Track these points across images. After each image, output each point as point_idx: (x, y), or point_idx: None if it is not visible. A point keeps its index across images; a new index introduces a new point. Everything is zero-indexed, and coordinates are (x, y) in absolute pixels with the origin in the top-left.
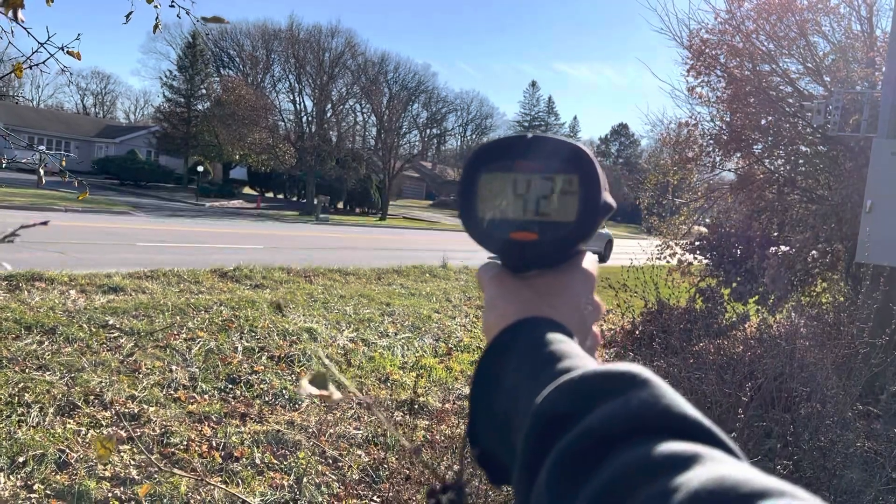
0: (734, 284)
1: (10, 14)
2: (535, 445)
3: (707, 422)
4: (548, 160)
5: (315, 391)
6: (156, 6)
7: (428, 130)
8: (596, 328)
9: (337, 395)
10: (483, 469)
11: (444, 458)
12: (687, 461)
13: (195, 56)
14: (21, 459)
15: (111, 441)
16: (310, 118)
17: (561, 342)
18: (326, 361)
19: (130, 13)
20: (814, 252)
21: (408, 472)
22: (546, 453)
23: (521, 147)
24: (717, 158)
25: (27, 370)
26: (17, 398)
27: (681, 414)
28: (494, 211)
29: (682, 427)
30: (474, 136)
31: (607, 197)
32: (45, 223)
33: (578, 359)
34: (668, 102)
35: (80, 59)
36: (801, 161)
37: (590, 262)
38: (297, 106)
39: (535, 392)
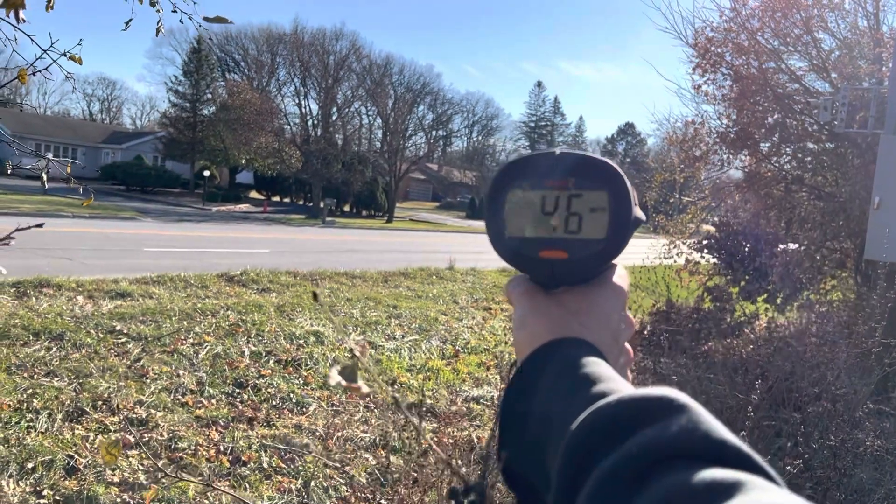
0: (743, 283)
1: (12, 15)
2: (571, 471)
3: (746, 448)
4: (576, 176)
5: (344, 382)
6: (158, 10)
7: (434, 132)
8: (628, 344)
9: (366, 388)
10: (512, 491)
11: (452, 460)
12: (729, 489)
13: (200, 61)
14: (30, 465)
15: (117, 447)
16: (315, 121)
17: (594, 364)
18: (357, 353)
19: (130, 20)
20: (823, 250)
21: (415, 475)
22: (583, 479)
23: (548, 163)
24: (724, 157)
25: (35, 376)
26: (25, 404)
27: (720, 440)
28: (522, 229)
29: (722, 453)
30: (480, 138)
31: (637, 212)
32: (39, 226)
33: (613, 382)
34: (673, 101)
35: (81, 64)
36: (808, 158)
37: (620, 276)
38: (303, 109)
39: (569, 416)
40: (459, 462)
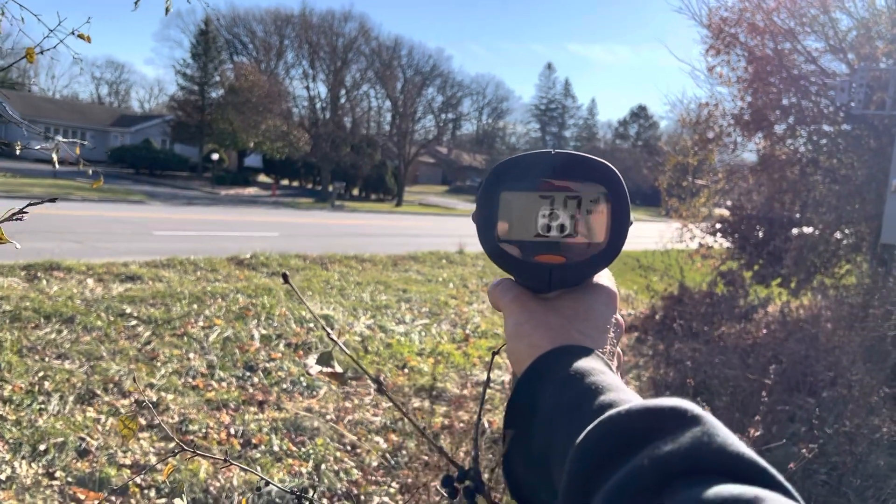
0: (756, 267)
1: None
2: (580, 485)
3: (763, 462)
4: (574, 178)
5: (323, 369)
6: None
7: (443, 115)
8: (619, 347)
9: (339, 368)
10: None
11: (463, 443)
12: None
13: (208, 43)
14: (42, 447)
15: (133, 421)
16: (324, 104)
17: (600, 373)
18: (333, 337)
19: (138, 0)
20: (837, 233)
21: (426, 457)
22: (592, 493)
23: (544, 164)
24: (738, 139)
25: (47, 359)
26: (37, 387)
27: (736, 454)
28: (517, 232)
29: (737, 468)
30: (490, 121)
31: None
32: (53, 200)
33: (621, 392)
34: (687, 83)
35: (90, 42)
36: (823, 141)
37: (608, 277)
38: (311, 92)
39: (575, 426)
40: (471, 445)
